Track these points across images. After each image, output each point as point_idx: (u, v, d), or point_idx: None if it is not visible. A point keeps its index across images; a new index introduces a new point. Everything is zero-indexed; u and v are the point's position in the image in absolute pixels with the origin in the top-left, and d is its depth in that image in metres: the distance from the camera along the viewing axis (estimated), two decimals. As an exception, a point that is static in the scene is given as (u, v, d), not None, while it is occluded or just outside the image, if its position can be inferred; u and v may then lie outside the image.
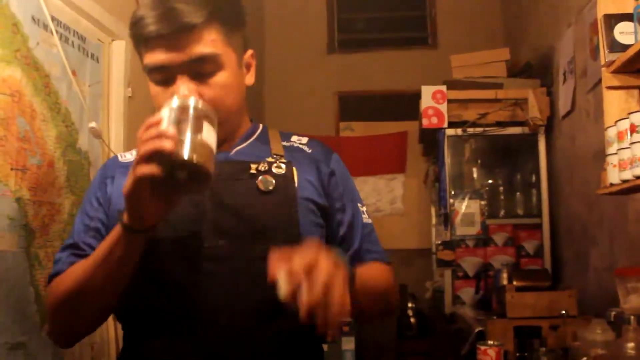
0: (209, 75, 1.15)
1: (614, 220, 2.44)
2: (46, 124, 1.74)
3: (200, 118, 0.99)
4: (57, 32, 1.79)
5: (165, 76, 1.15)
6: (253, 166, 1.18)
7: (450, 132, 3.37)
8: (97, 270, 1.07)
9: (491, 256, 3.31)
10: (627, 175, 1.69)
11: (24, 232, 1.61)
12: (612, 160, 1.79)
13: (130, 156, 1.29)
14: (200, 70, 1.13)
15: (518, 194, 3.49)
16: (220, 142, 1.21)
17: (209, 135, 0.99)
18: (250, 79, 1.26)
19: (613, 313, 1.93)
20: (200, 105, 1.01)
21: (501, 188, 3.53)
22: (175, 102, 1.00)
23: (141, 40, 1.16)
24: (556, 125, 3.22)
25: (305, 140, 1.31)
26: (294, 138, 1.31)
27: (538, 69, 3.45)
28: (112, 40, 2.19)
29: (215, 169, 0.99)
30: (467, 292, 3.27)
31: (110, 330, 2.04)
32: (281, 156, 1.22)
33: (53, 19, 1.78)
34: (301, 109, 4.81)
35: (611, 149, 1.80)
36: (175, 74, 1.13)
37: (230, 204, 1.14)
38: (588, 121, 2.71)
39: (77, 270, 1.11)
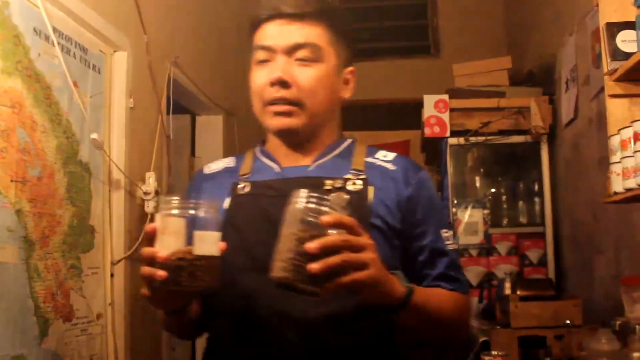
0: (307, 63, 1.21)
1: (619, 228, 2.42)
2: (47, 135, 1.74)
3: (191, 227, 0.98)
4: (58, 43, 1.79)
5: (267, 56, 1.22)
6: (328, 182, 1.19)
7: (452, 141, 3.36)
8: (166, 320, 1.18)
9: (494, 265, 3.29)
10: (631, 183, 1.68)
11: (24, 244, 1.61)
12: (616, 168, 1.78)
13: (216, 166, 1.34)
14: (300, 56, 1.21)
15: (521, 202, 3.47)
16: (302, 149, 1.27)
17: (203, 243, 0.97)
18: (347, 92, 1.30)
19: (618, 322, 1.91)
20: (197, 212, 0.99)
21: (504, 197, 3.51)
22: (165, 212, 0.99)
23: (255, 24, 1.25)
24: (559, 134, 3.21)
25: (391, 156, 1.29)
26: (380, 154, 1.29)
27: (540, 77, 3.44)
28: (114, 51, 2.19)
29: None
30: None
31: (110, 342, 2.03)
32: (360, 172, 1.22)
33: (55, 30, 1.78)
34: (303, 119, 4.81)
35: (615, 158, 1.79)
36: (277, 55, 1.21)
37: None
38: (591, 129, 2.70)
39: None
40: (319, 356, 1.12)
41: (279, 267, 0.94)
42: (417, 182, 1.25)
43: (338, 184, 1.19)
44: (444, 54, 4.86)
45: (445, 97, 3.35)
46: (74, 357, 1.81)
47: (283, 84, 1.19)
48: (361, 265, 0.96)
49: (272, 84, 1.20)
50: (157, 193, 2.39)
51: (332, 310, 1.12)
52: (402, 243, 1.21)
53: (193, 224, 0.98)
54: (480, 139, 3.33)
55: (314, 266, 0.91)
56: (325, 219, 0.94)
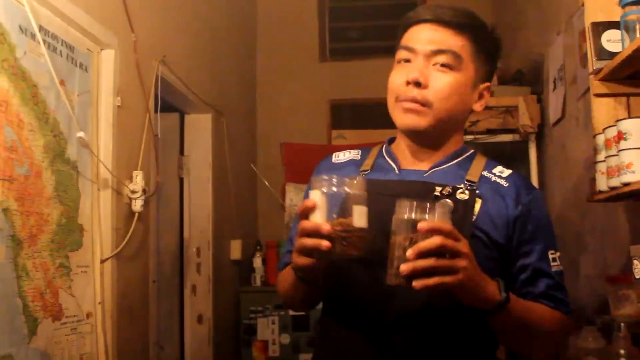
0: (444, 69, 1.26)
1: (606, 227, 2.44)
2: (34, 133, 1.73)
3: (349, 203, 1.08)
4: (44, 41, 1.79)
5: (409, 56, 1.29)
6: (438, 188, 1.23)
7: (441, 139, 3.37)
8: (294, 289, 1.30)
9: (483, 264, 3.30)
10: (615, 182, 1.70)
11: (12, 243, 1.60)
12: (601, 167, 1.80)
13: (343, 157, 1.41)
14: (439, 61, 1.26)
15: (509, 201, 3.48)
16: (425, 153, 1.32)
17: (360, 217, 1.08)
18: (478, 106, 1.34)
19: (604, 320, 1.93)
20: (350, 189, 1.10)
21: (493, 195, 3.53)
22: (325, 188, 1.09)
23: (406, 25, 1.34)
24: (547, 133, 3.23)
25: (507, 173, 1.31)
26: (497, 169, 1.32)
27: (528, 77, 3.46)
28: (101, 49, 2.18)
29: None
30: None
31: (100, 341, 2.02)
32: (472, 184, 1.26)
33: (41, 28, 1.77)
34: (293, 117, 4.81)
35: (600, 157, 1.80)
36: (418, 57, 1.28)
37: None
38: (578, 128, 2.72)
39: (287, 279, 1.31)
40: (426, 347, 1.19)
41: (390, 274, 1.07)
42: (529, 202, 1.27)
43: (446, 191, 1.23)
44: (433, 53, 4.86)
45: (434, 96, 3.36)
46: (64, 357, 1.81)
47: (418, 84, 1.25)
48: (450, 270, 1.03)
49: (408, 83, 1.26)
50: (144, 192, 2.39)
51: (435, 305, 1.17)
52: (504, 258, 1.24)
53: (341, 199, 1.10)
54: (469, 137, 3.34)
55: (403, 267, 1.03)
56: (421, 225, 1.03)
